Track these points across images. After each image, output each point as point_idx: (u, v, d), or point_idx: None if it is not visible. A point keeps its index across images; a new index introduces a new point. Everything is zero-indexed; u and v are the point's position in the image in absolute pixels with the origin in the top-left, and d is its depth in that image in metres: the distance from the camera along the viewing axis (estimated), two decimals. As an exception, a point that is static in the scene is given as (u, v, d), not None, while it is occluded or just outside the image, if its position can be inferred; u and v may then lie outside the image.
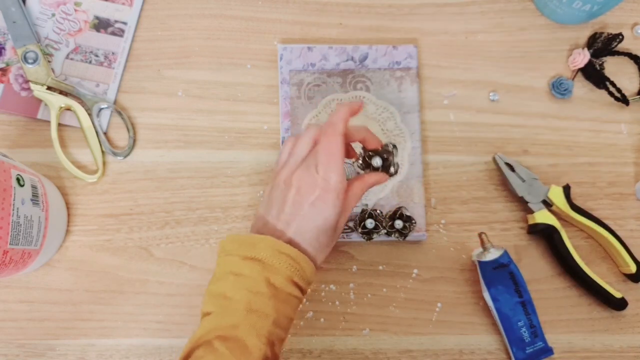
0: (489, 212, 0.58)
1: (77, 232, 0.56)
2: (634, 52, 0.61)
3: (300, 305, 0.45)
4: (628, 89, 0.61)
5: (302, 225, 0.43)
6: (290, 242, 0.43)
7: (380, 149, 0.49)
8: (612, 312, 0.56)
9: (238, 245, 0.43)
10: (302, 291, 0.44)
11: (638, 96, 0.60)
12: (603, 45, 0.60)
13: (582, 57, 0.59)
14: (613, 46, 0.60)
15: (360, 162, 0.50)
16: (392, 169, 0.50)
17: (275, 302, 0.41)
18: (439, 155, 0.59)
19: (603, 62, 0.60)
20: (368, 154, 0.50)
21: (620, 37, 0.60)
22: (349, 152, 0.50)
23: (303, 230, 0.44)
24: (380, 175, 0.48)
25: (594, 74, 0.60)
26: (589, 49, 0.60)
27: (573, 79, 0.60)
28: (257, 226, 0.46)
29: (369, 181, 0.48)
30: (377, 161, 0.49)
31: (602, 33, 0.60)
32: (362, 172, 0.50)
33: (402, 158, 0.57)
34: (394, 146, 0.50)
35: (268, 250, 0.42)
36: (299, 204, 0.43)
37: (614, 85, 0.60)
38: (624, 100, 0.59)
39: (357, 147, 0.50)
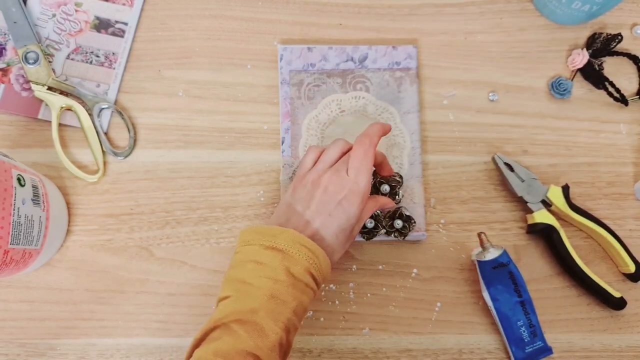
0: (488, 212, 0.58)
1: (78, 232, 0.56)
2: (633, 53, 0.61)
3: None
4: (627, 89, 0.61)
5: (325, 222, 0.46)
6: (312, 238, 0.45)
7: (389, 177, 0.54)
8: (611, 311, 0.56)
9: (259, 236, 0.45)
10: (317, 284, 0.45)
11: (637, 96, 0.60)
12: (602, 45, 0.60)
13: (581, 58, 0.60)
14: (612, 46, 0.60)
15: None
16: (397, 197, 0.55)
17: (294, 291, 0.43)
18: (439, 156, 0.59)
19: (602, 63, 0.60)
20: (379, 180, 0.55)
21: (620, 37, 0.60)
22: None
23: (326, 226, 0.46)
24: (389, 200, 0.54)
25: (593, 74, 0.60)
26: (588, 49, 0.60)
27: (572, 79, 0.61)
28: (279, 221, 0.47)
29: (380, 201, 0.52)
30: (385, 188, 0.54)
31: (601, 33, 0.61)
32: None
33: (401, 159, 0.58)
34: (401, 177, 0.55)
35: (288, 242, 0.44)
36: (326, 202, 0.46)
37: (613, 85, 0.60)
38: (623, 100, 0.59)
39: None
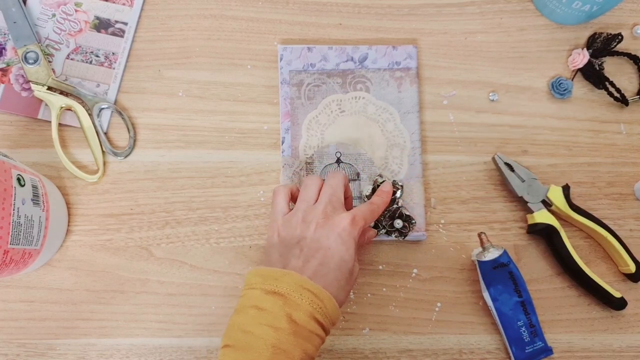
0: (488, 212, 0.58)
1: (78, 232, 0.56)
2: (633, 52, 0.61)
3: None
4: (627, 89, 0.61)
5: (324, 261, 0.44)
6: (313, 277, 0.43)
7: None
8: (612, 311, 0.56)
9: (262, 279, 0.43)
10: (325, 330, 0.43)
11: (637, 96, 0.60)
12: (602, 45, 0.60)
13: (582, 58, 0.59)
14: (612, 46, 0.60)
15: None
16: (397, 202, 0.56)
17: (297, 339, 0.40)
18: (439, 156, 0.59)
19: (602, 63, 0.60)
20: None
21: (620, 37, 0.60)
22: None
23: (324, 265, 0.44)
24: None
25: (593, 74, 0.60)
26: (588, 49, 0.60)
27: (572, 79, 0.61)
28: (278, 266, 0.45)
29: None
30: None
31: (602, 33, 0.61)
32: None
33: (401, 159, 0.58)
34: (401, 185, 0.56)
35: (291, 285, 0.42)
36: (324, 236, 0.45)
37: (613, 85, 0.60)
38: (623, 100, 0.59)
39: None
